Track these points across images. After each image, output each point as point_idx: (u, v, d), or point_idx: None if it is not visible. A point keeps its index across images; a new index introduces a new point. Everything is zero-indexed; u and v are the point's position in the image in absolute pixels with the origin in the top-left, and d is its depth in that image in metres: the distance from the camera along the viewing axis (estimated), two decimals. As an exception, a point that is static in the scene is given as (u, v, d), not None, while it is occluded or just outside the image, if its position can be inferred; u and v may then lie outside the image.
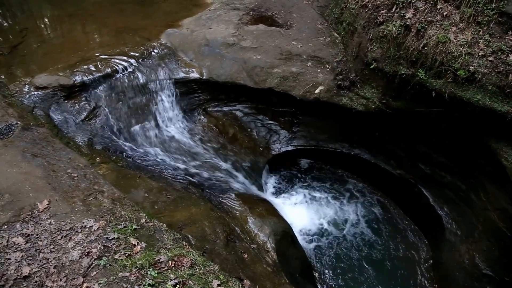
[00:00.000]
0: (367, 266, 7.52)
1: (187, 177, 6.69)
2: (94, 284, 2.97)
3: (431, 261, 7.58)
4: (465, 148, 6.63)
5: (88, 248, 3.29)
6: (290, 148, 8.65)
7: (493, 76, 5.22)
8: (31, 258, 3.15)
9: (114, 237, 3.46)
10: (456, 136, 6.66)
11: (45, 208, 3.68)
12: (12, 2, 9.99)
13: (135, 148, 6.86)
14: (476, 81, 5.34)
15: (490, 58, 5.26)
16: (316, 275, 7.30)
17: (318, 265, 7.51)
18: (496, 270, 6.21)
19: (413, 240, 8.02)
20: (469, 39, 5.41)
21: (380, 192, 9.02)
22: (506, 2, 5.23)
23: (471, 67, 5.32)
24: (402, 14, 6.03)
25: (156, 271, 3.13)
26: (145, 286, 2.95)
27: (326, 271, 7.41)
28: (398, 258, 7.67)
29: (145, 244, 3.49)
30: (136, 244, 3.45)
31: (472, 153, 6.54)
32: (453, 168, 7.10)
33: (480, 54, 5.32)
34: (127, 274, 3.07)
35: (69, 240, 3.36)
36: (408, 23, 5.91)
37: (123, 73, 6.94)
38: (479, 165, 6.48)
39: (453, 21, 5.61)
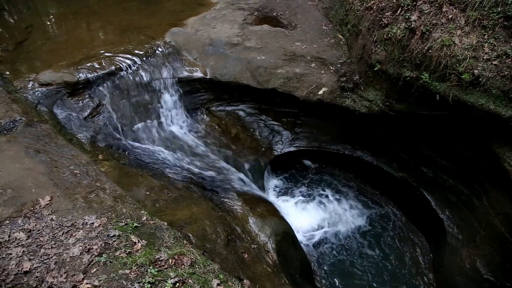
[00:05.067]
0: (367, 269, 7.50)
1: (188, 176, 6.70)
2: (94, 281, 2.97)
3: (432, 265, 7.55)
4: (468, 152, 6.60)
5: (89, 245, 3.30)
6: (292, 149, 8.64)
7: (498, 80, 5.20)
8: (32, 253, 3.16)
9: (115, 234, 3.47)
10: (459, 139, 6.64)
11: (47, 204, 3.69)
12: (18, -2, 10.04)
13: (138, 146, 6.87)
14: (481, 85, 5.32)
15: (494, 62, 5.24)
16: (316, 276, 7.29)
17: (319, 266, 7.50)
18: (497, 276, 6.18)
19: (414, 243, 7.99)
20: (474, 42, 5.39)
21: (382, 194, 9.00)
22: (512, 6, 5.22)
23: (475, 71, 5.30)
24: (407, 17, 6.02)
25: (156, 269, 3.13)
26: (145, 284, 2.95)
27: (326, 273, 7.40)
28: (398, 261, 7.65)
29: (146, 242, 3.49)
30: (137, 241, 3.46)
31: (475, 157, 6.52)
32: (456, 172, 7.07)
33: (484, 58, 5.30)
34: (127, 271, 3.07)
35: (70, 237, 3.37)
36: (413, 26, 5.90)
37: (127, 71, 6.94)
38: (482, 170, 6.45)
39: (458, 24, 5.59)
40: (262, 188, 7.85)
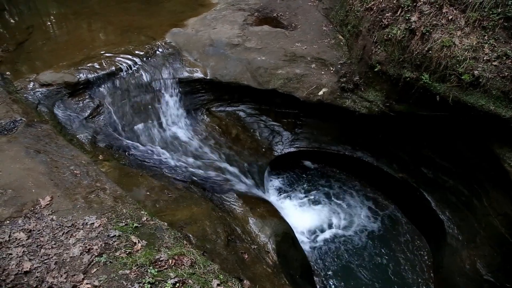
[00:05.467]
0: (367, 269, 7.50)
1: (189, 176, 6.70)
2: (94, 281, 2.97)
3: (432, 265, 7.55)
4: (468, 152, 6.60)
5: (89, 245, 3.30)
6: (292, 149, 8.64)
7: (498, 81, 5.20)
8: (32, 253, 3.17)
9: (115, 235, 3.47)
10: (459, 140, 6.63)
11: (47, 204, 3.70)
12: (19, -1, 10.05)
13: (138, 147, 6.88)
14: (481, 85, 5.32)
15: (495, 63, 5.24)
16: (316, 277, 7.29)
17: (319, 267, 7.50)
18: (497, 276, 6.18)
19: (414, 244, 8.00)
20: (474, 43, 5.39)
21: (382, 195, 9.00)
22: (512, 7, 5.22)
23: (475, 72, 5.31)
24: (407, 18, 6.03)
25: (156, 269, 3.14)
26: (145, 284, 2.95)
27: (326, 274, 7.39)
28: (398, 261, 7.65)
29: (146, 242, 3.50)
30: (137, 242, 3.46)
31: (475, 158, 6.52)
32: (456, 172, 7.07)
33: (485, 58, 5.30)
34: (127, 271, 3.07)
35: (70, 237, 3.38)
36: (413, 27, 5.90)
37: (128, 71, 6.96)
38: (482, 170, 6.45)
39: (458, 25, 5.59)
40: (262, 188, 7.85)
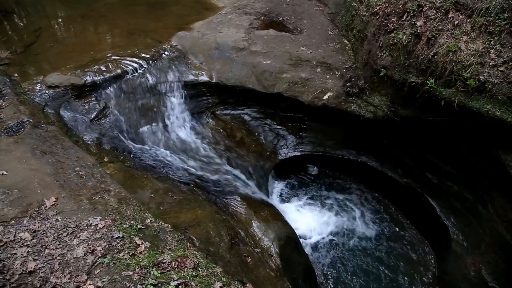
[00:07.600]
0: (370, 275, 7.45)
1: (193, 179, 6.72)
2: (97, 282, 2.98)
3: (436, 272, 7.49)
4: (473, 158, 6.57)
5: (93, 246, 3.31)
6: (297, 153, 8.64)
7: (504, 87, 5.18)
8: (36, 253, 3.18)
9: (119, 236, 3.48)
10: (464, 145, 6.60)
11: (52, 205, 3.72)
12: (27, 2, 10.15)
13: (143, 149, 6.91)
14: (486, 91, 5.30)
15: (501, 68, 5.22)
16: (319, 282, 7.26)
17: (322, 272, 7.47)
18: (502, 284, 6.12)
19: (418, 250, 7.94)
20: (480, 48, 5.38)
21: (387, 200, 8.96)
22: (518, 12, 5.20)
23: (481, 77, 5.29)
24: (412, 22, 6.03)
25: (159, 271, 3.14)
26: (148, 286, 2.96)
27: (329, 279, 7.36)
28: (402, 267, 7.60)
29: (149, 244, 3.51)
30: (140, 243, 3.47)
31: (480, 163, 6.48)
32: (461, 178, 7.03)
33: (490, 64, 5.28)
34: (131, 273, 3.08)
35: (74, 238, 3.39)
36: (418, 32, 5.90)
37: (133, 74, 7.01)
38: (487, 176, 6.41)
39: (464, 30, 5.58)
40: (266, 192, 7.84)
